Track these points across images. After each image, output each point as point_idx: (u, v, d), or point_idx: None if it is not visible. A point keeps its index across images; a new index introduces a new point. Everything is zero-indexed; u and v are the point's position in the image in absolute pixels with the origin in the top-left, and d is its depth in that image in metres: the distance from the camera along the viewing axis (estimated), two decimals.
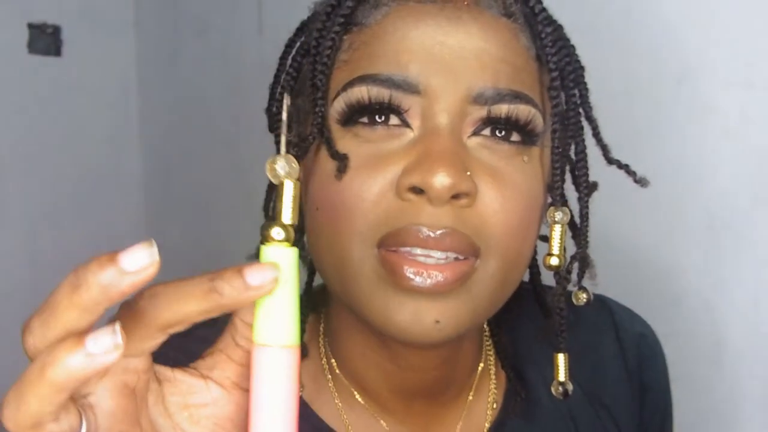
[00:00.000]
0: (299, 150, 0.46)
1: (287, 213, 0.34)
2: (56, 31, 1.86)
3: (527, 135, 0.45)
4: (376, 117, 0.43)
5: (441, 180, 0.40)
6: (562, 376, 0.50)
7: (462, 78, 0.42)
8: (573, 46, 0.49)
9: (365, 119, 0.43)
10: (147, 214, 2.05)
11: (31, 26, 1.81)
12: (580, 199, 0.52)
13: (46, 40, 1.84)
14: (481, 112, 0.43)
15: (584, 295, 0.53)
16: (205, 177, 1.80)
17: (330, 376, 0.54)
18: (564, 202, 0.50)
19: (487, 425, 0.55)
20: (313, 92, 0.45)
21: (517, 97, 0.44)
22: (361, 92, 0.43)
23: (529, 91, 0.45)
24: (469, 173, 0.42)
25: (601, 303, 0.64)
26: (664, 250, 0.87)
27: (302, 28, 0.53)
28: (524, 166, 0.45)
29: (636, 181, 0.53)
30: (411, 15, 0.43)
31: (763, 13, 0.76)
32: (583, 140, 0.52)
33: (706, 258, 0.83)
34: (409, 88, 0.42)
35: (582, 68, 0.50)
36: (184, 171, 1.89)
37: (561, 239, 0.48)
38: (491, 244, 0.44)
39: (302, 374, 0.54)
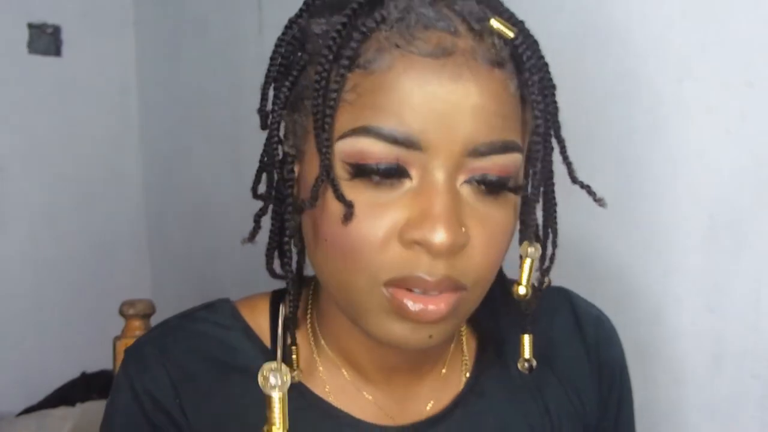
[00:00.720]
0: (312, 194, 0.49)
1: (279, 423, 0.40)
2: (56, 31, 1.86)
3: (513, 188, 0.51)
4: (380, 168, 0.47)
5: (441, 239, 0.46)
6: (527, 353, 0.57)
7: (460, 134, 0.46)
8: (554, 86, 0.52)
9: (371, 173, 0.48)
10: (147, 214, 2.05)
11: (31, 26, 1.82)
12: (545, 224, 0.58)
13: (46, 40, 1.84)
14: (474, 163, 0.48)
15: (547, 279, 0.58)
16: (205, 177, 1.80)
17: (315, 349, 0.60)
18: (537, 238, 0.55)
19: (459, 390, 0.63)
20: (318, 134, 0.48)
21: (507, 147, 0.48)
22: (367, 145, 0.47)
23: (515, 136, 0.49)
24: (464, 229, 0.48)
25: (560, 290, 0.70)
26: (664, 250, 0.87)
27: (290, 26, 0.54)
28: (506, 203, 0.51)
29: (596, 201, 0.57)
30: (415, 69, 0.46)
31: (763, 13, 0.76)
32: (552, 177, 0.56)
33: (706, 258, 0.83)
34: (412, 144, 0.46)
35: (557, 104, 0.54)
36: (184, 171, 1.89)
37: (530, 272, 0.53)
38: (476, 278, 0.51)
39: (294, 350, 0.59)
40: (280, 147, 0.55)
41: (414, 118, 0.46)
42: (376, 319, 0.51)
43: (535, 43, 0.51)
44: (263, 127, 0.55)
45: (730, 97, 0.79)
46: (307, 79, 0.51)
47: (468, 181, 0.49)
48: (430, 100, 0.46)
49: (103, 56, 1.94)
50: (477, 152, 0.47)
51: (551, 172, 0.55)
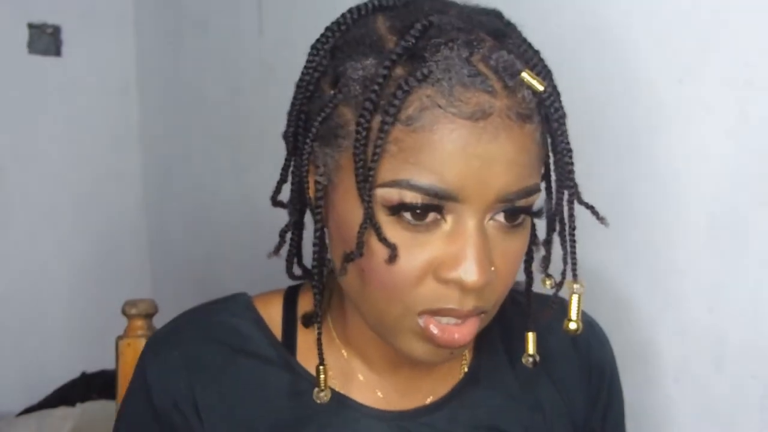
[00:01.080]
0: (358, 242, 0.53)
1: None
2: (56, 31, 1.86)
3: (532, 215, 0.56)
4: (418, 212, 0.52)
5: (474, 280, 0.51)
6: (531, 349, 0.62)
7: (493, 187, 0.51)
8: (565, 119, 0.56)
9: (409, 215, 0.52)
10: (147, 214, 2.05)
11: (31, 26, 1.81)
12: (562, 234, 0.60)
13: (46, 40, 1.84)
14: (501, 206, 0.53)
15: (549, 281, 0.60)
16: (205, 177, 1.80)
17: (326, 337, 0.64)
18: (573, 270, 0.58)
19: (457, 381, 0.67)
20: (362, 186, 0.52)
21: (532, 191, 0.53)
22: (408, 196, 0.51)
23: (538, 178, 0.55)
24: (492, 268, 0.53)
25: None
26: (664, 250, 0.87)
27: (317, 53, 0.56)
28: (523, 229, 0.56)
29: (599, 219, 0.61)
30: (456, 131, 0.49)
31: (763, 12, 0.76)
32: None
33: (706, 258, 0.83)
34: (449, 197, 0.51)
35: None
36: (184, 171, 1.89)
37: (578, 307, 0.57)
38: (497, 301, 0.57)
39: (299, 339, 0.65)
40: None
41: (453, 176, 0.50)
42: (404, 339, 0.56)
43: (556, 89, 0.55)
44: (289, 153, 0.60)
45: (730, 97, 0.79)
46: (340, 118, 0.53)
47: (493, 218, 0.53)
48: (469, 159, 0.49)
49: (103, 56, 1.94)
50: (506, 199, 0.52)
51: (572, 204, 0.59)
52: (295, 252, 0.65)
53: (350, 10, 0.56)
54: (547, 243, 0.60)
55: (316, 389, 0.60)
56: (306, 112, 0.57)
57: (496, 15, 0.57)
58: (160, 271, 2.02)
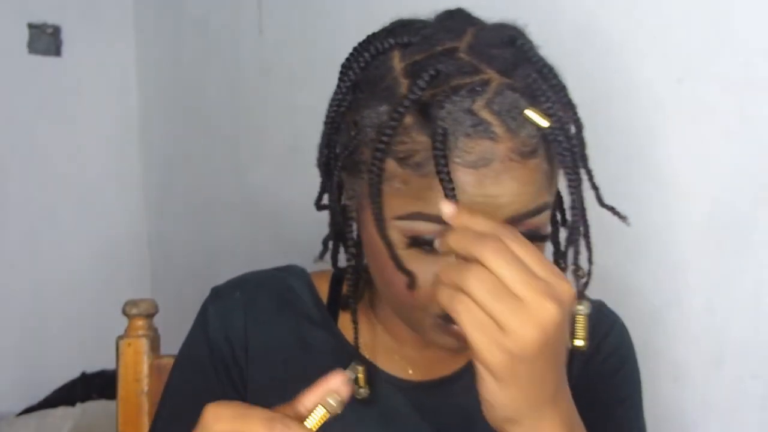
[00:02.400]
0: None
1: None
2: (56, 31, 1.86)
3: (541, 239, 0.59)
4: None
5: None
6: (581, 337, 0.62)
7: (500, 215, 0.54)
8: (578, 145, 0.59)
9: (425, 244, 0.56)
10: (147, 214, 2.05)
11: (31, 26, 1.82)
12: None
13: (46, 40, 1.84)
14: (512, 223, 0.55)
15: (581, 270, 0.63)
16: (205, 177, 1.80)
17: (362, 313, 0.69)
18: (583, 295, 0.60)
19: (465, 361, 0.70)
20: (377, 219, 0.57)
21: (539, 210, 0.57)
22: (422, 226, 0.55)
23: (546, 197, 0.57)
24: None
25: None
26: (665, 250, 0.87)
27: (339, 90, 0.61)
28: (539, 243, 0.58)
29: (621, 219, 0.64)
30: (460, 178, 0.53)
31: (762, 13, 0.76)
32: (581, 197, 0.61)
33: (706, 258, 0.83)
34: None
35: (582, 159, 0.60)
36: (184, 171, 1.89)
37: (584, 327, 0.58)
38: None
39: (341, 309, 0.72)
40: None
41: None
42: (429, 332, 0.61)
43: (563, 118, 0.56)
44: (323, 179, 0.65)
45: (730, 97, 0.79)
46: (361, 155, 0.58)
47: None
48: (474, 197, 0.54)
49: (103, 56, 1.94)
50: (515, 221, 0.55)
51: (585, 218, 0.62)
52: (336, 257, 0.70)
53: (369, 46, 0.59)
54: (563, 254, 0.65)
55: (356, 386, 0.65)
56: (334, 144, 0.62)
57: (510, 36, 0.59)
58: (160, 271, 2.02)
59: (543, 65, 0.58)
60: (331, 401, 0.51)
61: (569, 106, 0.59)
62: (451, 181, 0.52)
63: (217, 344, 0.70)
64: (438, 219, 0.53)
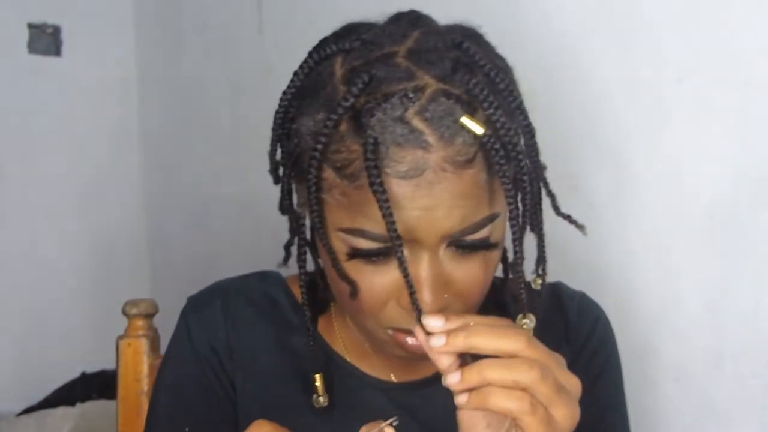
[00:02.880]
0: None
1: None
2: (56, 31, 1.86)
3: (489, 247, 0.58)
4: (373, 258, 0.57)
5: (428, 310, 0.55)
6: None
7: (438, 229, 0.54)
8: (523, 152, 0.57)
9: (367, 256, 0.57)
10: (147, 214, 2.05)
11: (31, 26, 1.81)
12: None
13: (46, 40, 1.84)
14: (450, 240, 0.56)
15: (539, 281, 0.63)
16: (205, 177, 1.80)
17: (339, 318, 0.72)
18: (532, 310, 0.60)
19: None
20: (318, 228, 0.57)
21: (480, 225, 0.56)
22: (362, 242, 0.56)
23: (489, 210, 0.56)
24: (446, 295, 0.57)
25: (550, 284, 0.77)
26: (665, 250, 0.87)
27: (284, 98, 0.61)
28: (484, 253, 0.58)
29: (578, 227, 0.64)
30: (393, 190, 0.53)
31: (763, 12, 0.77)
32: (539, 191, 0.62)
33: (706, 258, 0.83)
34: (398, 239, 0.54)
35: (533, 166, 0.59)
36: (184, 171, 1.89)
37: None
38: (464, 312, 0.59)
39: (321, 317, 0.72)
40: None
41: (399, 224, 0.53)
42: (382, 344, 0.63)
43: (506, 124, 0.54)
44: (276, 182, 0.65)
45: (730, 97, 0.79)
46: (303, 162, 0.57)
47: (448, 247, 0.56)
48: (409, 210, 0.53)
49: (103, 56, 1.94)
50: (453, 237, 0.55)
51: (536, 225, 0.62)
52: (304, 262, 0.69)
53: (314, 52, 0.59)
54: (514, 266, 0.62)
55: (315, 395, 0.66)
56: (282, 151, 0.62)
57: (456, 39, 0.57)
58: (160, 271, 2.02)
59: (490, 69, 0.55)
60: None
61: (517, 112, 0.57)
62: (384, 192, 0.52)
63: (204, 356, 0.70)
64: (380, 237, 0.54)
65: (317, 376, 0.66)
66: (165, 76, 1.92)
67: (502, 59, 0.61)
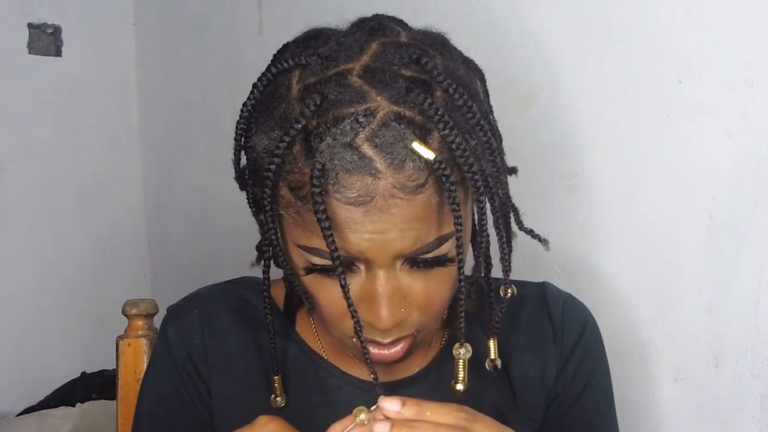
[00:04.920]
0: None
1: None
2: (56, 31, 1.86)
3: (444, 263, 0.58)
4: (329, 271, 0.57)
5: (384, 325, 0.57)
6: (493, 354, 0.65)
7: (390, 250, 0.55)
8: (480, 173, 0.56)
9: (323, 271, 0.57)
10: (147, 214, 2.05)
11: (31, 26, 1.82)
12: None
13: (46, 40, 1.84)
14: (404, 259, 0.57)
15: (510, 290, 0.64)
16: (205, 177, 1.80)
17: (314, 322, 0.73)
18: (466, 339, 0.60)
19: (434, 355, 0.73)
20: (274, 245, 0.58)
21: (432, 247, 0.56)
22: (318, 260, 0.56)
23: (442, 230, 0.56)
24: (403, 309, 0.58)
25: (538, 283, 0.78)
26: (664, 250, 0.87)
27: (244, 109, 0.60)
28: (442, 267, 0.58)
29: (542, 242, 0.64)
30: (342, 215, 0.53)
31: (762, 13, 0.77)
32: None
33: (706, 258, 0.83)
34: (354, 259, 0.56)
35: (494, 181, 0.59)
36: (184, 171, 1.89)
37: (464, 370, 0.61)
38: (425, 324, 0.61)
39: (299, 315, 0.74)
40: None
41: (351, 247, 0.54)
42: (351, 350, 0.64)
43: (462, 145, 0.53)
44: (241, 188, 0.66)
45: (730, 97, 0.79)
46: (258, 178, 0.57)
47: (405, 262, 0.57)
48: (360, 233, 0.54)
49: (103, 56, 1.94)
50: (406, 257, 0.56)
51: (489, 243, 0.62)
52: (278, 262, 0.69)
53: (272, 64, 0.58)
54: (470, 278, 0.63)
55: (273, 395, 0.68)
56: (246, 160, 0.62)
57: (415, 53, 0.55)
58: (160, 271, 2.02)
59: (449, 86, 0.54)
60: (361, 416, 0.54)
61: (477, 129, 0.56)
62: (327, 220, 0.52)
63: (181, 364, 0.71)
64: (333, 256, 0.54)
65: (275, 378, 0.68)
66: (165, 76, 1.92)
67: (467, 68, 0.60)
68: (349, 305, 0.55)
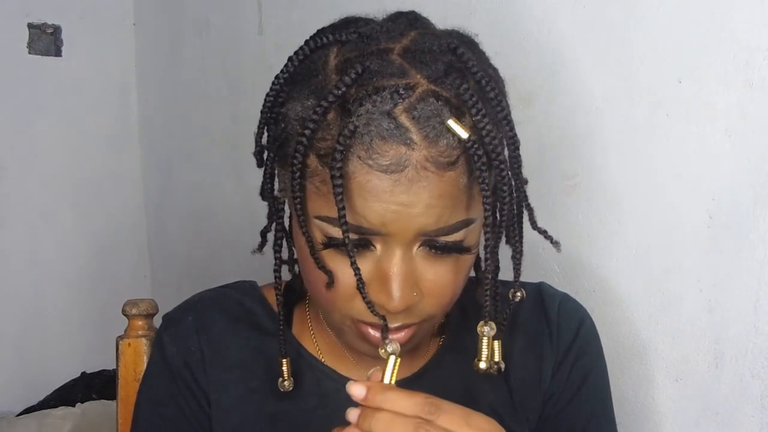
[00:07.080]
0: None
1: (388, 378, 0.55)
2: (56, 31, 1.86)
3: (463, 250, 0.59)
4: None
5: (395, 306, 0.57)
6: (497, 357, 0.64)
7: (413, 225, 0.55)
8: (505, 162, 0.57)
9: (342, 245, 0.56)
10: (147, 214, 2.05)
11: (31, 26, 1.82)
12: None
13: (46, 40, 1.84)
14: (424, 239, 0.57)
15: (519, 293, 0.65)
16: (205, 177, 1.80)
17: (314, 320, 0.74)
18: (495, 319, 0.61)
19: (431, 356, 0.74)
20: (299, 215, 0.57)
21: (456, 228, 0.57)
22: (337, 231, 0.55)
23: (466, 214, 0.57)
24: (415, 293, 0.58)
25: (536, 283, 0.78)
26: (665, 249, 0.87)
27: (276, 82, 0.60)
28: (457, 256, 0.59)
29: (553, 244, 0.64)
30: (373, 182, 0.53)
31: (763, 13, 0.77)
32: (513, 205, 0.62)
33: (706, 258, 0.83)
34: (374, 232, 0.56)
35: (514, 178, 0.60)
36: (184, 171, 1.89)
37: (488, 348, 0.61)
38: (432, 314, 0.61)
39: (295, 317, 0.74)
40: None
41: (374, 217, 0.54)
42: (348, 337, 0.64)
43: (492, 132, 0.54)
44: (259, 165, 0.65)
45: (730, 97, 0.79)
46: (289, 148, 0.57)
47: (422, 246, 0.57)
48: (387, 205, 0.54)
49: (103, 56, 1.94)
50: (428, 235, 0.56)
51: (502, 235, 0.62)
52: (280, 250, 0.70)
53: (310, 40, 0.59)
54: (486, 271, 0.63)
55: (280, 379, 0.68)
56: (269, 135, 0.62)
57: (452, 44, 0.57)
58: (160, 271, 2.02)
59: (482, 77, 0.56)
60: (389, 349, 0.55)
61: (504, 123, 0.57)
62: (341, 177, 0.53)
63: (178, 371, 0.71)
64: (355, 228, 0.55)
65: (284, 360, 0.67)
66: (165, 76, 1.92)
67: (494, 69, 0.62)
68: (356, 270, 0.55)
